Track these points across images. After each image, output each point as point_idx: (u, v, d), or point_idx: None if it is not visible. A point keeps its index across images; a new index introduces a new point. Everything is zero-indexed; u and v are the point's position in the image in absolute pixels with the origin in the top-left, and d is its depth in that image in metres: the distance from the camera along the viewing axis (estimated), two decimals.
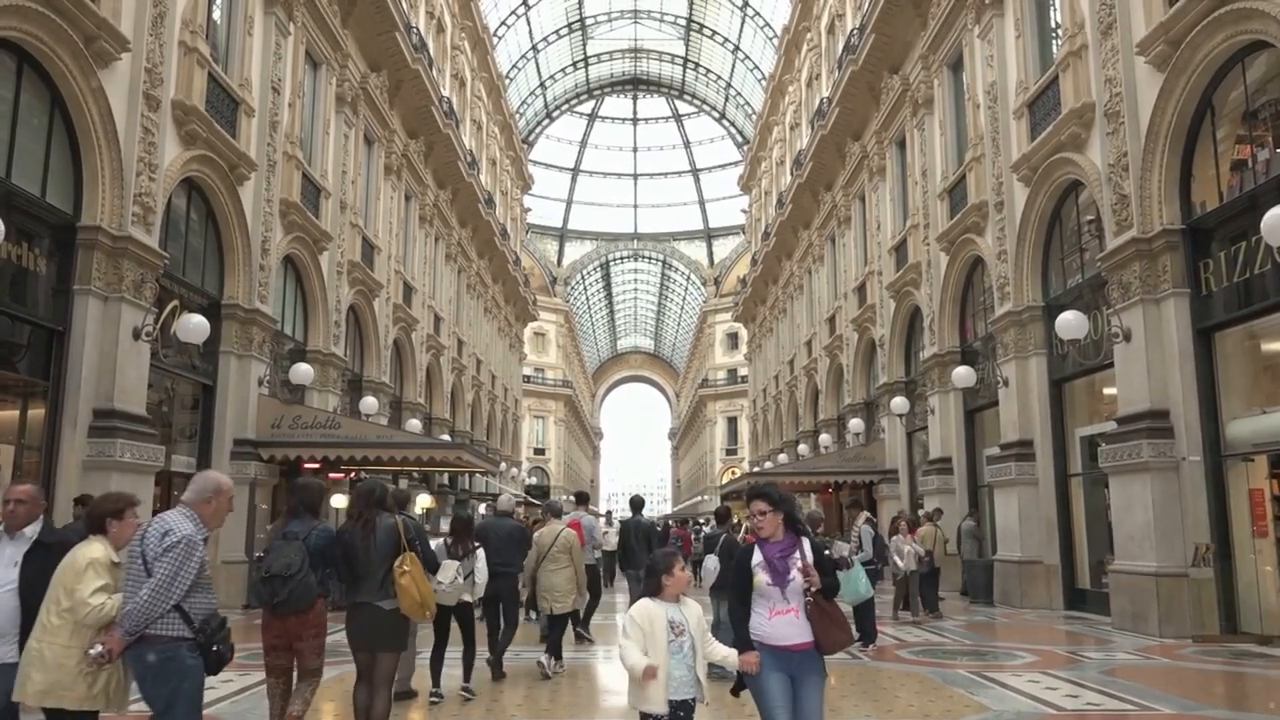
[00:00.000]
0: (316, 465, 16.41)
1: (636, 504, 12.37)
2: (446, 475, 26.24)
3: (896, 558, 12.73)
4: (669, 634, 3.91)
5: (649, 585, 4.08)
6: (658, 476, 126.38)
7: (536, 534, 9.24)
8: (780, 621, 4.07)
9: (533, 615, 10.71)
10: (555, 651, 8.72)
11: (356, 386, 20.59)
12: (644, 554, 10.99)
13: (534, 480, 57.89)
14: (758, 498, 4.23)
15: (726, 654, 4.08)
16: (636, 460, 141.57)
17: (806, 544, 4.19)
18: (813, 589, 4.05)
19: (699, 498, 64.60)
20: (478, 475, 29.91)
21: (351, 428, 16.21)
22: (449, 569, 6.95)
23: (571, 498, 11.45)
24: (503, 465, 37.12)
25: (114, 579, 4.04)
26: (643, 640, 3.90)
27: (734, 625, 4.16)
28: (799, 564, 4.10)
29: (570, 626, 9.46)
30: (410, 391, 24.76)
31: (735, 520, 10.49)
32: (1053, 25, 14.51)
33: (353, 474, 18.70)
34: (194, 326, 12.23)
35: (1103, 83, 12.16)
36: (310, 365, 16.85)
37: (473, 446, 27.13)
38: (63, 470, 10.65)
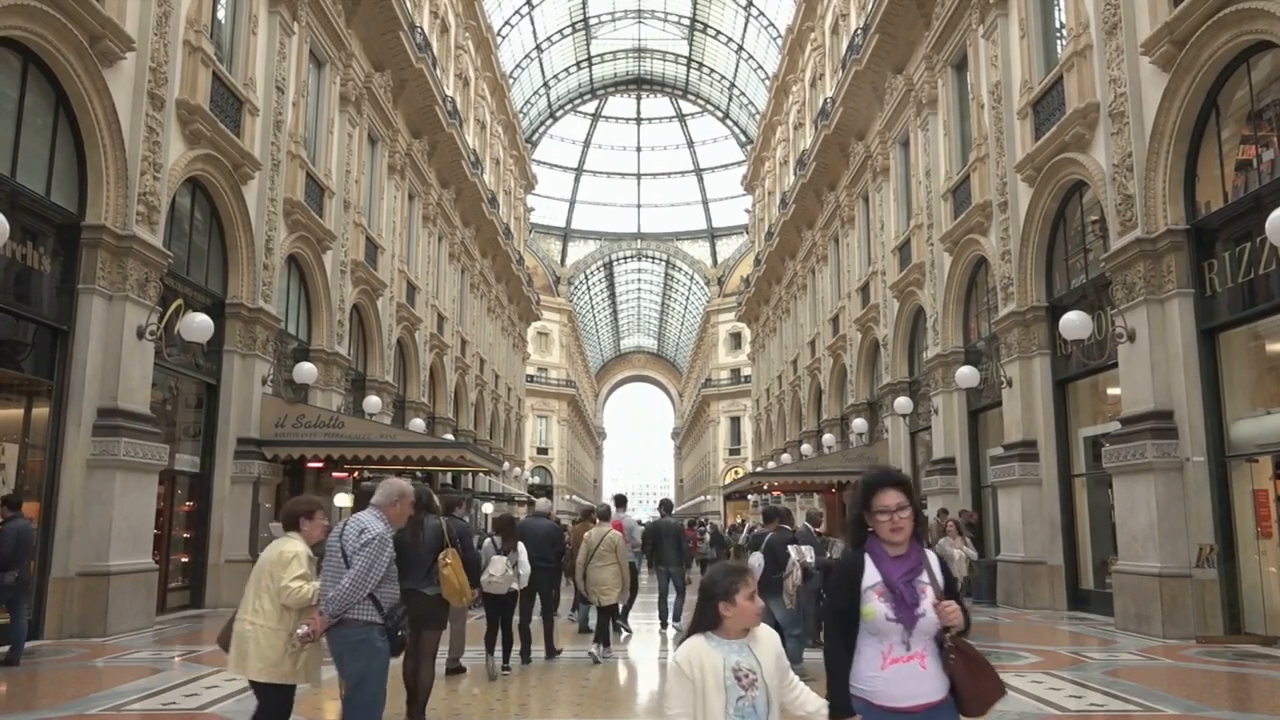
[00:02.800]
0: (320, 465, 16.45)
1: (666, 506, 13.28)
2: (450, 474, 26.25)
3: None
4: (734, 687, 2.82)
5: (702, 615, 2.95)
6: (660, 476, 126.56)
7: (586, 534, 10.12)
8: (899, 673, 2.89)
9: (573, 615, 12.14)
10: (604, 639, 9.71)
11: (360, 386, 20.60)
12: (673, 552, 12.28)
13: (537, 480, 57.89)
14: (892, 486, 3.00)
15: (816, 709, 2.98)
16: (639, 460, 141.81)
17: (934, 558, 3.03)
18: (954, 629, 2.90)
19: (702, 497, 64.63)
20: (481, 474, 29.92)
21: (355, 427, 16.22)
22: (499, 563, 8.27)
23: (610, 502, 12.56)
24: (505, 465, 37.14)
25: (311, 569, 4.70)
26: (691, 698, 2.81)
27: (830, 674, 3.01)
28: (929, 591, 2.94)
29: (603, 623, 10.11)
30: (413, 391, 24.77)
31: (741, 521, 10.79)
32: (1057, 25, 14.49)
33: (356, 473, 18.73)
34: (198, 325, 12.25)
35: (1107, 83, 12.15)
36: (314, 364, 16.86)
37: (476, 446, 27.16)
38: (66, 469, 10.68)
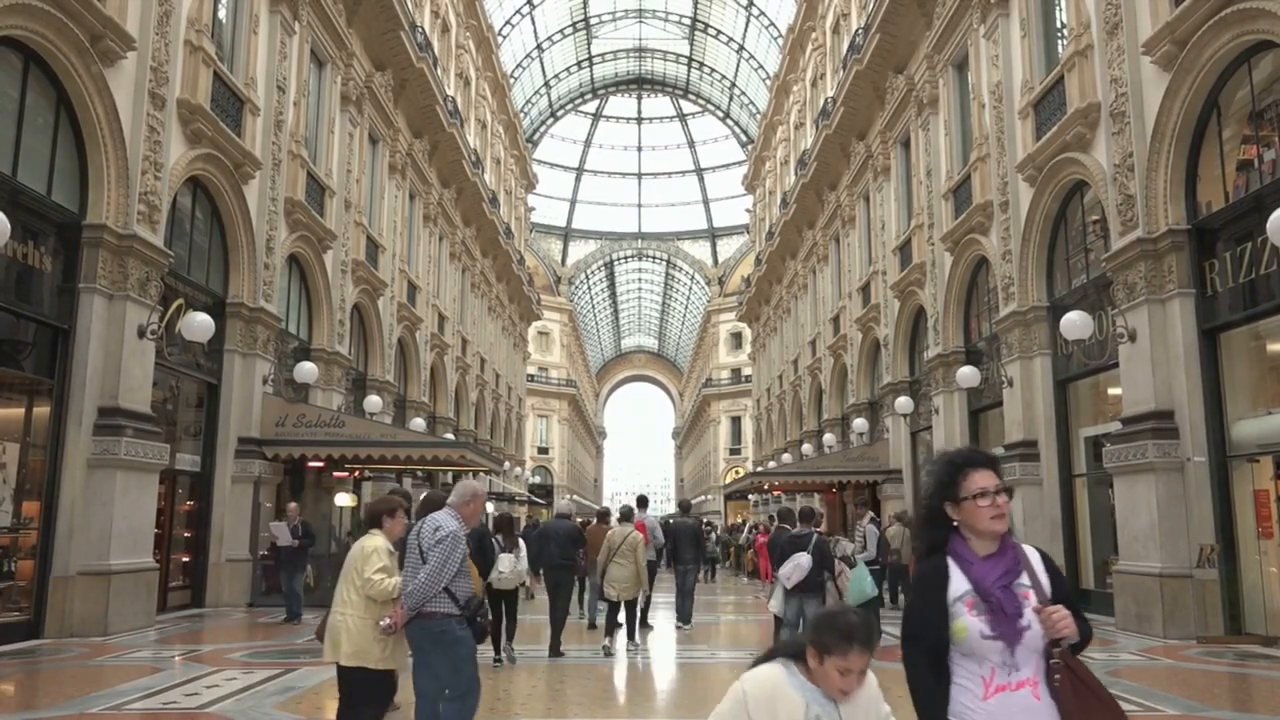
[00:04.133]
0: (321, 464, 16.44)
1: (684, 507, 14.36)
2: (450, 474, 26.28)
3: None
4: None
5: (789, 644, 2.46)
6: (661, 476, 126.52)
7: (608, 533, 10.72)
8: (1007, 704, 2.30)
9: (582, 613, 12.72)
10: (630, 633, 10.43)
11: (360, 385, 20.61)
12: (690, 551, 13.06)
13: (538, 479, 57.88)
14: (983, 465, 2.45)
15: None
16: (640, 460, 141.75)
17: (1034, 555, 2.48)
18: (1064, 641, 2.33)
19: (703, 497, 64.63)
20: (481, 474, 29.94)
21: (355, 426, 16.22)
22: (506, 560, 8.70)
23: (633, 501, 13.25)
24: (506, 464, 37.15)
25: (392, 563, 5.03)
26: None
27: (919, 710, 2.41)
28: (1031, 596, 2.37)
29: (629, 618, 10.72)
30: (414, 390, 24.77)
31: (742, 521, 11.14)
32: (1058, 25, 14.48)
33: (357, 473, 18.73)
34: (199, 325, 12.25)
35: (1108, 83, 12.14)
36: (314, 364, 16.86)
37: (476, 445, 27.16)
38: (67, 469, 10.68)
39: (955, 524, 2.46)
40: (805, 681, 2.32)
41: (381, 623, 4.84)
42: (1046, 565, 2.46)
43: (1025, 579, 2.39)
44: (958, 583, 2.38)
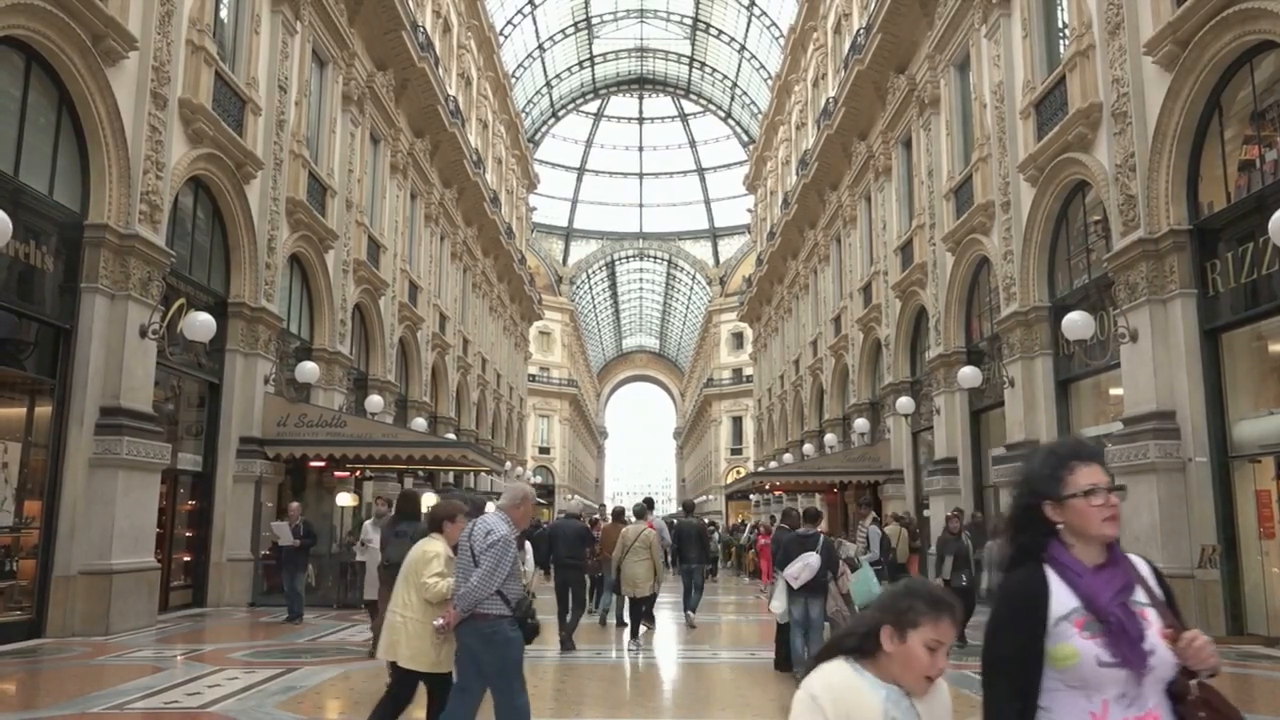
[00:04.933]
0: (322, 464, 16.45)
1: (688, 507, 14.53)
2: (452, 474, 26.29)
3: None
4: None
5: (853, 633, 2.09)
6: (662, 476, 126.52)
7: (622, 531, 10.94)
8: None
9: (593, 609, 12.85)
10: (632, 629, 10.53)
11: (362, 385, 20.61)
12: (695, 550, 13.21)
13: (539, 480, 57.88)
14: (1092, 458, 2.12)
15: None
16: (641, 460, 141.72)
17: (1144, 567, 2.14)
18: (1205, 671, 2.01)
19: (704, 497, 64.63)
20: (483, 474, 29.93)
21: (357, 426, 16.22)
22: None
23: (642, 503, 13.41)
24: (507, 464, 37.15)
25: (449, 568, 5.12)
26: None
27: None
28: (1149, 615, 2.03)
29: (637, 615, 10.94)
30: (415, 390, 24.78)
31: (743, 522, 11.21)
32: (1060, 25, 14.48)
33: (358, 473, 18.74)
34: (200, 325, 12.26)
35: (1110, 83, 12.14)
36: (316, 363, 16.86)
37: (478, 445, 27.19)
38: (69, 468, 10.68)
39: (1058, 527, 2.09)
40: (876, 679, 2.00)
41: (435, 623, 4.96)
42: (1157, 578, 2.11)
43: (1141, 595, 2.04)
44: (1062, 598, 1.99)
